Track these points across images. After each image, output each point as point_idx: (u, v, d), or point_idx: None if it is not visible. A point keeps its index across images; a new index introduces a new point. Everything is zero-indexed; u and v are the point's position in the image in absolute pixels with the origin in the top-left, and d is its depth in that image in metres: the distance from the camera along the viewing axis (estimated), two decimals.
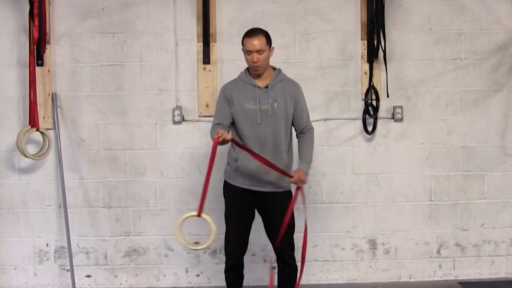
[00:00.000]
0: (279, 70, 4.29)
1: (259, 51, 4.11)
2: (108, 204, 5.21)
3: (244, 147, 4.12)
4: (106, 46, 5.15)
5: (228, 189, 4.31)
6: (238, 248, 4.29)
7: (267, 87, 4.19)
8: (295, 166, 4.36)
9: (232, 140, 4.07)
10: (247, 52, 4.15)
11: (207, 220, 4.02)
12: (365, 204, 5.29)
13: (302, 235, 4.30)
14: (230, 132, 4.19)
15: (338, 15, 5.21)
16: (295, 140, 4.35)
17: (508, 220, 5.36)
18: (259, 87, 4.19)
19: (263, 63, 4.15)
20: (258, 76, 4.21)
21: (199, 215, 4.01)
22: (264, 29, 4.27)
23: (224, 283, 4.44)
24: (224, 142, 3.98)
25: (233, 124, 4.24)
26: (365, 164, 5.28)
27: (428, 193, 5.31)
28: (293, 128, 4.31)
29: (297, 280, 4.30)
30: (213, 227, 4.00)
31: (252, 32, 4.16)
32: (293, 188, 4.27)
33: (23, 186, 5.16)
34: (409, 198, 5.30)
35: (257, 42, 4.10)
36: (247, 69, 4.28)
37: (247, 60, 4.19)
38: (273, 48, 4.23)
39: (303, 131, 4.29)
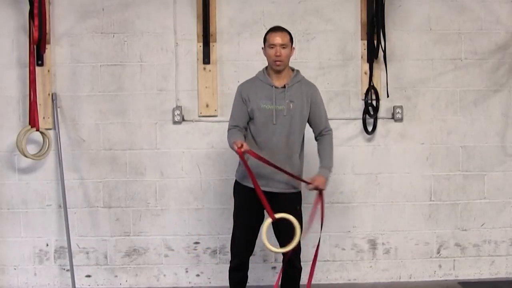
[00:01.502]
0: (298, 71, 4.29)
1: (282, 45, 4.12)
2: (108, 204, 5.21)
3: (260, 158, 4.05)
4: (106, 46, 5.15)
5: (239, 189, 4.27)
6: (244, 248, 4.25)
7: (284, 87, 4.18)
8: (306, 168, 4.36)
9: (249, 152, 4.02)
10: (270, 45, 4.14)
11: (289, 218, 3.99)
12: (365, 204, 5.29)
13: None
14: (246, 139, 4.17)
15: (338, 15, 5.21)
16: (306, 145, 4.32)
17: (508, 220, 5.36)
18: (276, 87, 4.17)
19: (285, 59, 4.15)
20: (276, 75, 4.20)
21: (274, 219, 3.99)
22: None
23: (224, 283, 4.44)
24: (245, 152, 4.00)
25: (249, 122, 4.23)
26: (365, 164, 5.28)
27: (428, 193, 5.31)
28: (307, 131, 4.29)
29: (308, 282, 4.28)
30: (297, 226, 3.98)
31: (277, 28, 4.21)
32: (303, 189, 4.25)
33: (23, 186, 5.16)
34: (409, 198, 5.30)
35: (281, 37, 4.14)
36: (266, 68, 4.26)
37: (268, 55, 4.17)
38: (294, 48, 4.24)
39: (323, 132, 4.27)
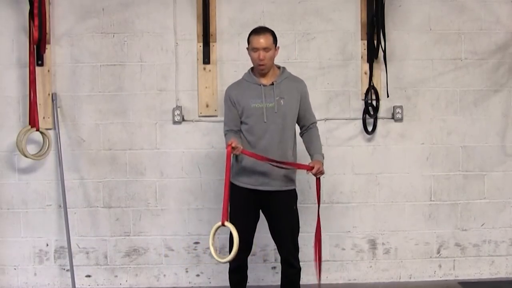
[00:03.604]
0: (284, 68, 4.29)
1: (265, 49, 4.10)
2: (108, 204, 5.21)
3: (254, 155, 4.09)
4: (106, 46, 5.15)
5: (233, 190, 4.24)
6: (242, 249, 4.23)
7: (272, 84, 4.18)
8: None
9: (243, 151, 4.07)
10: (253, 49, 4.13)
11: (231, 229, 4.01)
12: (365, 204, 5.29)
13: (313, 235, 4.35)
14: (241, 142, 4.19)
15: (338, 15, 5.21)
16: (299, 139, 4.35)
17: (508, 220, 5.36)
18: (264, 85, 4.17)
19: (269, 62, 4.14)
20: (262, 75, 4.20)
21: (223, 225, 4.02)
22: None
23: (224, 283, 4.44)
24: (236, 151, 4.01)
25: (241, 124, 4.23)
26: (365, 164, 5.28)
27: (428, 193, 5.31)
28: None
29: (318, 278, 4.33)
30: (235, 235, 3.97)
31: (260, 30, 4.16)
32: (299, 186, 4.31)
33: (23, 186, 5.16)
34: (409, 198, 5.30)
35: (264, 40, 4.10)
36: (251, 69, 4.26)
37: (252, 59, 4.17)
38: (278, 47, 4.23)
39: (310, 126, 4.32)
